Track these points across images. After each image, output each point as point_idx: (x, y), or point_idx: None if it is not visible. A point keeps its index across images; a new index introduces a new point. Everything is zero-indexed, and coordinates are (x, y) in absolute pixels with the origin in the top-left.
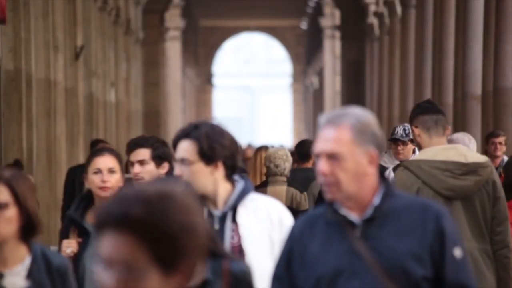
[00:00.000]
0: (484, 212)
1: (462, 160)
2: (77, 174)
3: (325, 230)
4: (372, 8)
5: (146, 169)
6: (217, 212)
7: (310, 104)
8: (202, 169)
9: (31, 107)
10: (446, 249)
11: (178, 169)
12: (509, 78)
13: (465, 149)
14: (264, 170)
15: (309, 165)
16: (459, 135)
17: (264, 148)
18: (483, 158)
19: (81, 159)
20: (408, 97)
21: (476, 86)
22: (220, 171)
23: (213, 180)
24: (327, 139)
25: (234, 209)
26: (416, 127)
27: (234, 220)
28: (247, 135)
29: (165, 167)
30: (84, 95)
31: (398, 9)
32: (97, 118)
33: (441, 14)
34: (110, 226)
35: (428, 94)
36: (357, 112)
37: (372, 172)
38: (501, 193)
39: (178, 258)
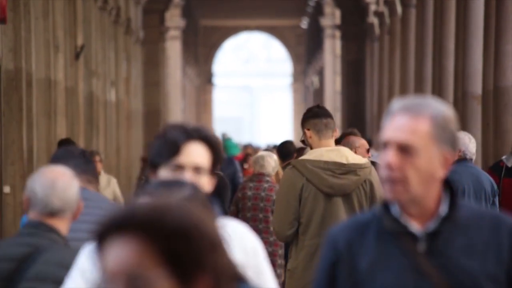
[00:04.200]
0: (361, 208)
1: (343, 161)
2: None
3: (377, 242)
4: (373, 7)
5: None
6: None
7: (310, 103)
8: (207, 181)
9: (31, 106)
10: None
11: (189, 177)
12: (509, 77)
13: (347, 151)
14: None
15: None
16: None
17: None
18: (363, 160)
19: None
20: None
21: (476, 86)
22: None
23: None
24: (400, 128)
25: None
26: (308, 129)
27: None
28: (247, 134)
29: None
30: (84, 94)
31: (399, 8)
32: (97, 118)
33: (442, 13)
34: (112, 232)
35: (428, 94)
36: (439, 104)
37: (441, 177)
38: (379, 191)
39: (194, 265)
